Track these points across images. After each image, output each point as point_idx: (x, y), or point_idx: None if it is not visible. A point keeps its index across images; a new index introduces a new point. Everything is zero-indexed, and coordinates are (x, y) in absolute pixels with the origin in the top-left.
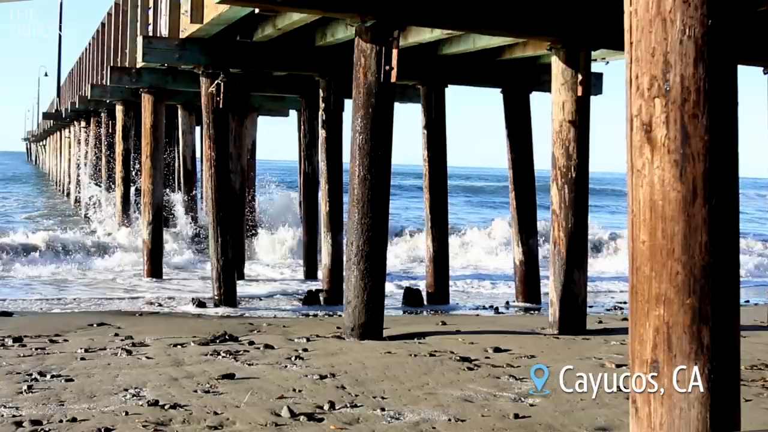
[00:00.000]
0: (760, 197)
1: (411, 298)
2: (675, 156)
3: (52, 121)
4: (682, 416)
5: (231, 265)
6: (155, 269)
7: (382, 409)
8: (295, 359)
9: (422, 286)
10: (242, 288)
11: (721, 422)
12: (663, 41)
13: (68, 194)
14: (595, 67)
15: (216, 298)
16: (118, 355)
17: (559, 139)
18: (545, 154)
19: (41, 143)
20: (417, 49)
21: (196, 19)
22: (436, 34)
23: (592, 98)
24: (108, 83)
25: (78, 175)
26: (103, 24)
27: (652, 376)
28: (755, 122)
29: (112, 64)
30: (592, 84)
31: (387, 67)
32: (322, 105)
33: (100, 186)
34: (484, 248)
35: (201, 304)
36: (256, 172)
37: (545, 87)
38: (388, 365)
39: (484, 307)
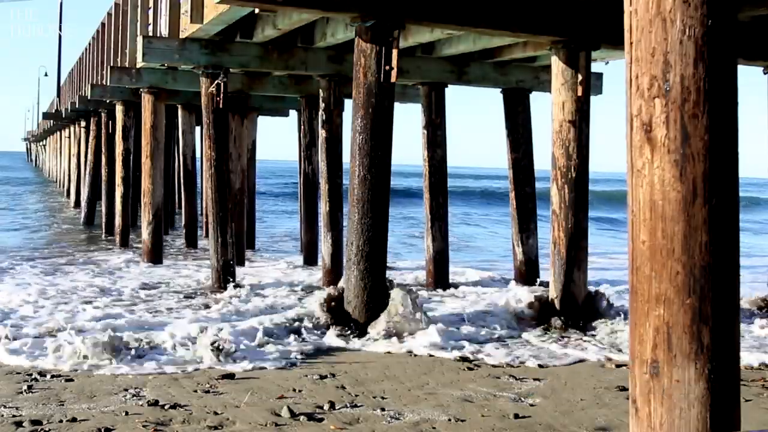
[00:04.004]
0: None
1: None
2: (675, 156)
3: (52, 121)
4: (682, 416)
5: (231, 265)
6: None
7: (382, 409)
8: None
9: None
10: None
11: (721, 422)
12: (663, 41)
13: (68, 194)
14: (595, 67)
15: None
16: None
17: (559, 139)
18: (545, 154)
19: (41, 143)
20: (417, 48)
21: (196, 19)
22: (436, 34)
23: (592, 98)
24: (108, 83)
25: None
26: (103, 24)
27: (652, 376)
28: (755, 122)
29: (112, 64)
30: (592, 84)
31: (387, 67)
32: (322, 105)
33: None
34: None
35: None
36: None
37: (545, 87)
38: (388, 365)
39: None
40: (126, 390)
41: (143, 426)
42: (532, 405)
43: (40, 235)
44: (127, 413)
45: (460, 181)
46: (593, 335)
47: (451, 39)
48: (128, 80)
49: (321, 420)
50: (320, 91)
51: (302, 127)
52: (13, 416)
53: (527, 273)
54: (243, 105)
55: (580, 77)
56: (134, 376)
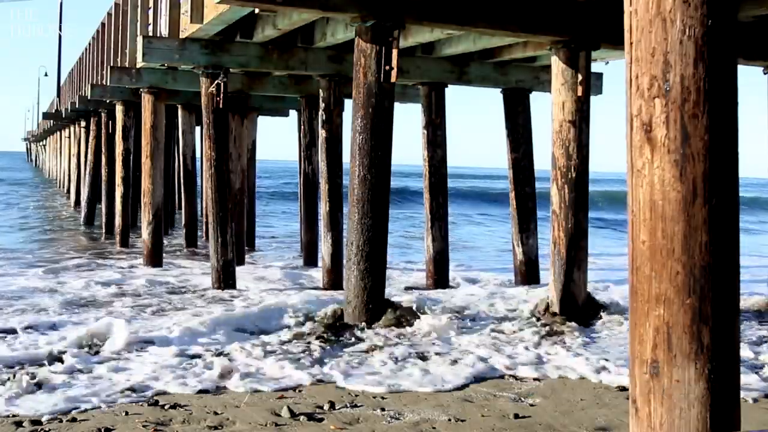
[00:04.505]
0: None
1: None
2: (675, 156)
3: (52, 121)
4: (682, 416)
5: (231, 265)
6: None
7: (382, 409)
8: None
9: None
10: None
11: (721, 422)
12: (663, 41)
13: (68, 192)
14: (595, 67)
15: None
16: None
17: (559, 139)
18: (545, 154)
19: (41, 143)
20: (417, 48)
21: (196, 19)
22: (436, 34)
23: (592, 98)
24: (108, 83)
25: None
26: (103, 24)
27: (652, 376)
28: (755, 122)
29: (112, 64)
30: (592, 84)
31: (387, 67)
32: (322, 105)
33: None
34: None
35: None
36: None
37: (545, 87)
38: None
39: None
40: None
41: (143, 426)
42: (532, 405)
43: (40, 235)
44: (127, 413)
45: (461, 182)
46: (592, 335)
47: (451, 39)
48: (128, 80)
49: (321, 420)
50: (320, 91)
51: (302, 127)
52: (13, 416)
53: (527, 273)
54: (243, 105)
55: (580, 77)
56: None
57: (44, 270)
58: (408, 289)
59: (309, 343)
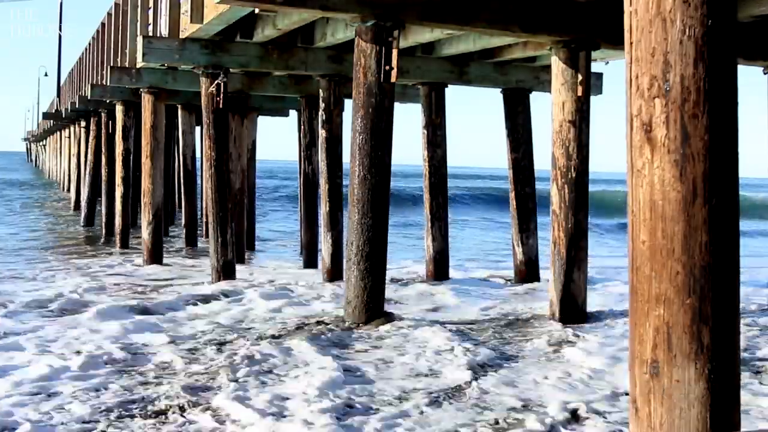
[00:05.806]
0: None
1: None
2: (675, 156)
3: (52, 121)
4: (682, 416)
5: (231, 265)
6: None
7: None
8: None
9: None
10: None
11: (721, 422)
12: (663, 41)
13: (68, 192)
14: (595, 67)
15: None
16: None
17: (559, 139)
18: (545, 154)
19: (41, 143)
20: (417, 48)
21: (196, 19)
22: (436, 34)
23: (592, 98)
24: (108, 83)
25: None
26: (103, 24)
27: (652, 376)
28: (755, 122)
29: (112, 64)
30: (592, 84)
31: (387, 67)
32: (322, 105)
33: None
34: None
35: None
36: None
37: (545, 87)
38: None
39: None
40: None
41: None
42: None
43: (39, 236)
44: None
45: (461, 182)
46: (592, 335)
47: (451, 39)
48: (128, 80)
49: None
50: (320, 91)
51: (302, 127)
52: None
53: (527, 273)
54: (243, 105)
55: (580, 77)
56: None
57: (45, 270)
58: (405, 284)
59: None
